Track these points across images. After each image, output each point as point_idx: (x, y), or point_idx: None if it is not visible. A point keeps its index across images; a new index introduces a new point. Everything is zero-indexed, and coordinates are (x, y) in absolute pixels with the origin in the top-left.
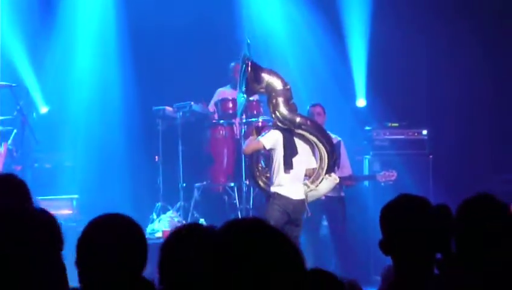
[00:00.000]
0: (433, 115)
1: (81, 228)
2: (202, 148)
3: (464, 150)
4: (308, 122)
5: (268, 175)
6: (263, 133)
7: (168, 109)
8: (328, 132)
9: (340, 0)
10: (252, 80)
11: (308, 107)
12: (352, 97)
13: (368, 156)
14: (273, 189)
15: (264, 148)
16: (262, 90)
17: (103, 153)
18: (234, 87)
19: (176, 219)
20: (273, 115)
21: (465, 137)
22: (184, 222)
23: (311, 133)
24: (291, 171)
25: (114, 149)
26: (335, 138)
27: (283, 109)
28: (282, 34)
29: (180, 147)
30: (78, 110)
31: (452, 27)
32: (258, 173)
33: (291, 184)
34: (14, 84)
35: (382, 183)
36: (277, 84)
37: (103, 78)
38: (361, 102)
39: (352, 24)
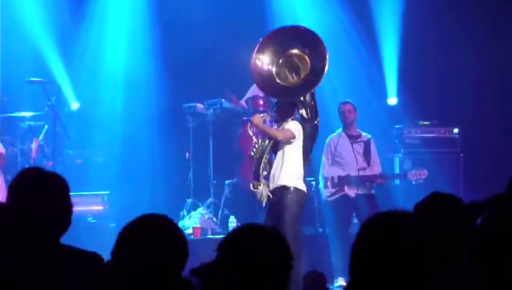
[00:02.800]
0: (464, 113)
1: (112, 224)
2: (232, 145)
3: (495, 148)
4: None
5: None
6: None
7: (199, 105)
8: (359, 130)
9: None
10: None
11: (338, 105)
12: (384, 95)
13: (399, 155)
14: (291, 183)
15: (294, 137)
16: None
17: (134, 149)
18: None
19: (206, 216)
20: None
21: (496, 135)
22: (214, 218)
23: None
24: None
25: (145, 146)
26: (365, 135)
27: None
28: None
29: (210, 144)
30: (109, 106)
31: (486, 24)
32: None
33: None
34: (45, 80)
35: (413, 182)
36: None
37: (134, 75)
38: (392, 100)
39: (384, 22)
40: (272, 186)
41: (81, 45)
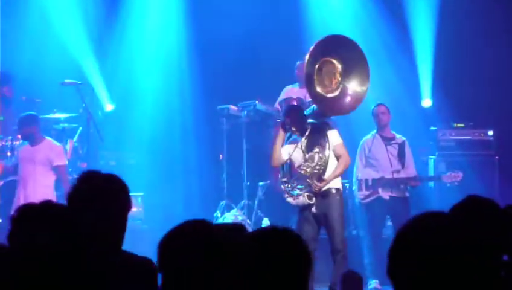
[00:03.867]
0: (499, 115)
1: (146, 225)
2: (266, 147)
3: None
4: None
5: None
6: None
7: (233, 108)
8: (393, 132)
9: (407, 5)
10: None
11: (372, 107)
12: (418, 97)
13: (433, 157)
14: (338, 185)
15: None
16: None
17: (168, 151)
18: (301, 86)
19: (240, 218)
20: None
21: None
22: (248, 220)
23: None
24: None
25: (179, 147)
26: (399, 137)
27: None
28: (348, 33)
29: (244, 146)
30: (142, 108)
31: None
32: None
33: None
34: (80, 82)
35: (448, 184)
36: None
37: (168, 77)
38: (427, 102)
39: (418, 24)
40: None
41: (115, 47)
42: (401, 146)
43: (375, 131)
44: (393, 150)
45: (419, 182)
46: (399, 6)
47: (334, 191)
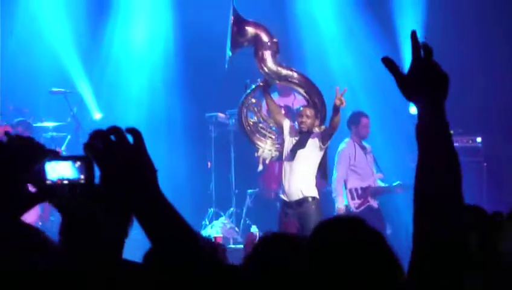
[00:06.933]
0: (487, 122)
1: (134, 233)
2: (254, 154)
3: None
4: (295, 75)
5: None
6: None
7: (221, 115)
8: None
9: (394, 4)
10: (235, 33)
11: (360, 117)
12: (406, 104)
13: None
14: (314, 193)
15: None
16: (246, 43)
17: (155, 159)
18: (281, 95)
19: (228, 225)
20: (260, 70)
21: None
22: (236, 228)
23: (298, 85)
24: None
25: (166, 155)
26: (369, 146)
27: (270, 63)
28: (336, 38)
29: (232, 154)
30: (131, 116)
31: (507, 33)
32: None
33: None
34: (68, 91)
35: None
36: (263, 36)
37: (156, 85)
38: (414, 109)
39: (406, 28)
40: (297, 196)
41: (103, 56)
42: (373, 154)
43: (349, 139)
44: (370, 158)
45: (402, 189)
46: (386, 10)
47: (310, 199)
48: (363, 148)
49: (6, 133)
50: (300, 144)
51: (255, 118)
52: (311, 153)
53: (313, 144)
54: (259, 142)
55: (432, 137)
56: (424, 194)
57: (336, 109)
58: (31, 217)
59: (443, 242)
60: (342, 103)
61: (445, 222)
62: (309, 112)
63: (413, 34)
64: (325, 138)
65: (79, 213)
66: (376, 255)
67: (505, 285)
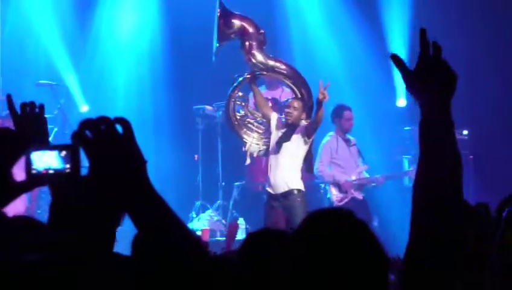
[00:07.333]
0: (474, 115)
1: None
2: (241, 147)
3: (505, 150)
4: (282, 66)
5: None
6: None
7: (208, 108)
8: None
9: None
10: (222, 25)
11: (343, 110)
12: (393, 97)
13: (407, 156)
14: (300, 186)
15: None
16: (233, 35)
17: (142, 151)
18: (269, 88)
19: (215, 218)
20: (248, 62)
21: (506, 137)
22: (223, 220)
23: (285, 76)
24: None
25: (153, 148)
26: (353, 139)
27: (257, 54)
28: (323, 32)
29: (219, 146)
30: (117, 108)
31: (492, 26)
32: None
33: None
34: (54, 83)
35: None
36: (250, 28)
37: (143, 77)
38: (401, 102)
39: (393, 23)
40: (282, 189)
41: (89, 48)
42: (357, 147)
43: (333, 132)
44: (354, 151)
45: (384, 180)
46: (374, 5)
47: (295, 192)
48: (347, 140)
49: None
50: (285, 137)
51: (242, 111)
52: (297, 146)
53: (298, 137)
54: (246, 137)
55: (436, 134)
56: (425, 191)
57: (319, 103)
58: (17, 208)
59: (442, 239)
60: (324, 97)
61: (445, 220)
62: (297, 104)
63: (422, 32)
64: (309, 131)
65: (69, 200)
66: (363, 247)
67: (502, 284)
